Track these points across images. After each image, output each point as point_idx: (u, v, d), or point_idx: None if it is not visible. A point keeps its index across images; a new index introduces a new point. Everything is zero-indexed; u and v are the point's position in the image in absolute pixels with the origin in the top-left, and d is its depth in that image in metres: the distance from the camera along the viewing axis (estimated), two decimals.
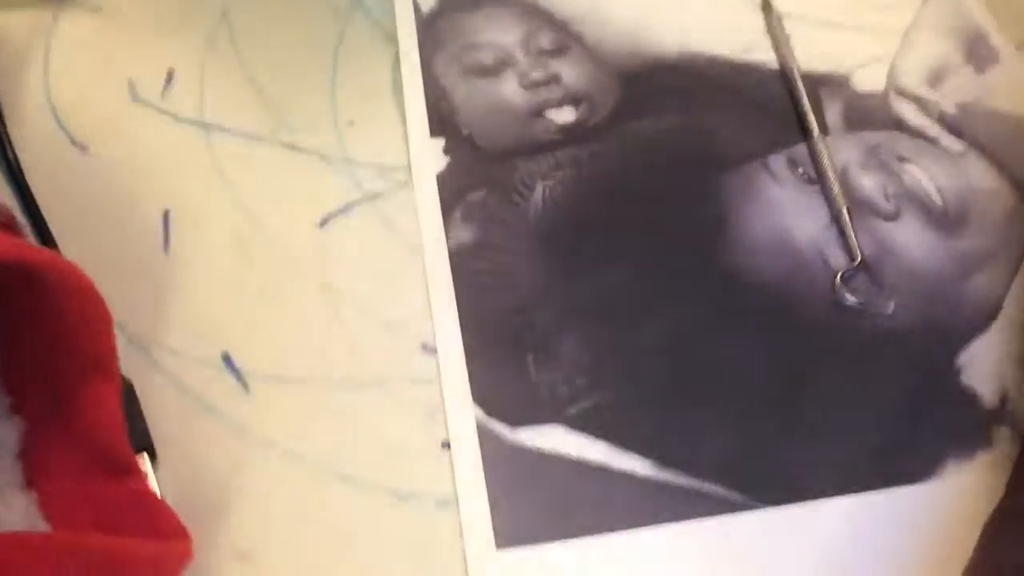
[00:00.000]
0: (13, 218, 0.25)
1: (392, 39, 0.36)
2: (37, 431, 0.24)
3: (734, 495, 0.27)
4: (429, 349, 0.29)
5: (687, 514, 0.26)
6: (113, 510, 0.22)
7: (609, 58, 0.36)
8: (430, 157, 0.33)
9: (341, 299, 0.30)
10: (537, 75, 0.36)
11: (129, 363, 0.27)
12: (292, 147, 0.33)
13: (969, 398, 0.29)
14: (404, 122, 0.34)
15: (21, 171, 0.31)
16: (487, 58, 0.36)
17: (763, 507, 0.27)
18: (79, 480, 0.23)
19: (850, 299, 0.31)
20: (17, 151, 0.31)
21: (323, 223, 0.31)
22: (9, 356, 0.24)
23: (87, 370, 0.23)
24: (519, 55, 0.36)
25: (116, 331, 0.24)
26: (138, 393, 0.26)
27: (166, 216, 0.31)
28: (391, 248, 0.31)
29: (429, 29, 0.36)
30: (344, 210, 0.32)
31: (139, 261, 0.30)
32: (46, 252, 0.22)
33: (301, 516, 0.26)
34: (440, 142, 0.33)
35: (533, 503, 0.26)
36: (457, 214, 0.32)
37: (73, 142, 0.32)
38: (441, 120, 0.34)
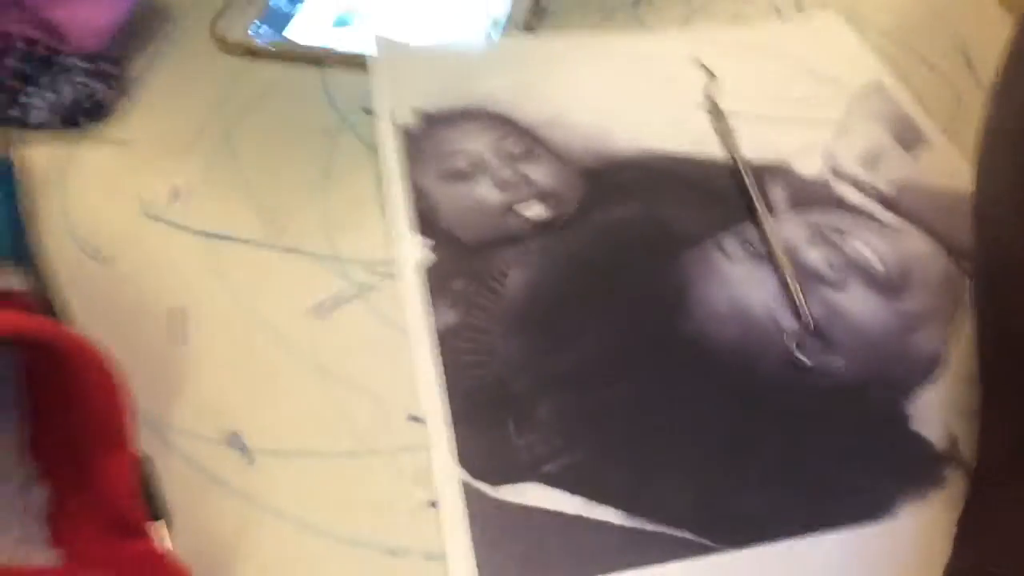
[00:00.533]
0: (44, 304, 0.28)
1: (376, 152, 0.40)
2: (61, 496, 0.26)
3: (701, 539, 0.29)
4: (417, 419, 0.31)
5: (658, 558, 0.28)
6: (128, 565, 0.25)
7: (573, 158, 0.40)
8: (413, 252, 0.36)
9: (335, 379, 0.32)
10: (508, 176, 0.39)
11: (148, 443, 0.30)
12: (288, 250, 0.37)
13: (919, 443, 0.32)
14: (388, 223, 0.37)
15: (45, 278, 0.34)
16: (462, 164, 0.40)
17: (729, 550, 0.29)
18: (98, 540, 0.25)
19: (803, 360, 0.33)
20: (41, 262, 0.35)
21: (317, 314, 0.34)
22: (37, 429, 0.26)
23: (105, 441, 0.26)
24: (491, 160, 0.40)
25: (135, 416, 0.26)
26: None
27: (175, 314, 0.34)
28: (380, 332, 0.34)
29: (409, 142, 0.41)
30: (336, 301, 0.35)
31: (152, 354, 0.33)
32: (69, 331, 0.25)
33: (302, 574, 0.28)
34: (423, 238, 0.37)
35: (515, 553, 0.28)
36: (442, 300, 0.35)
37: (90, 254, 0.36)
38: (424, 219, 0.38)
